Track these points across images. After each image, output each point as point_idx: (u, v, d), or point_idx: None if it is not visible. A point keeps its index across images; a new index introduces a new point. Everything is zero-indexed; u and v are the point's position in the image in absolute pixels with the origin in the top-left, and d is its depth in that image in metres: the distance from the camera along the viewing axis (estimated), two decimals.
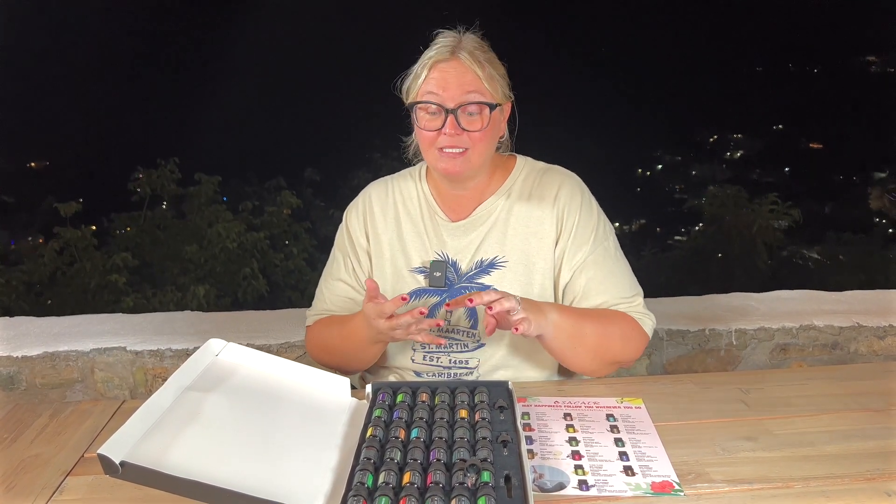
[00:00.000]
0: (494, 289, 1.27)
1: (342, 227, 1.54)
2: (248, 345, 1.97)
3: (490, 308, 1.20)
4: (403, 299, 1.23)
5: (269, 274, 8.81)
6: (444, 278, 1.41)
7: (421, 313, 1.21)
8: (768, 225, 10.77)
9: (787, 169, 37.45)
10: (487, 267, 1.42)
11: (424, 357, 1.43)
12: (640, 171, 38.72)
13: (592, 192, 1.48)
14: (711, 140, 40.66)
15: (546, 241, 1.41)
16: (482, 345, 1.41)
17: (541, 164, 1.50)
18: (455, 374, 1.43)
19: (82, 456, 1.16)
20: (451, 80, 1.32)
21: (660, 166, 38.73)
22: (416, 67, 1.36)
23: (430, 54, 1.35)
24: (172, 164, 9.32)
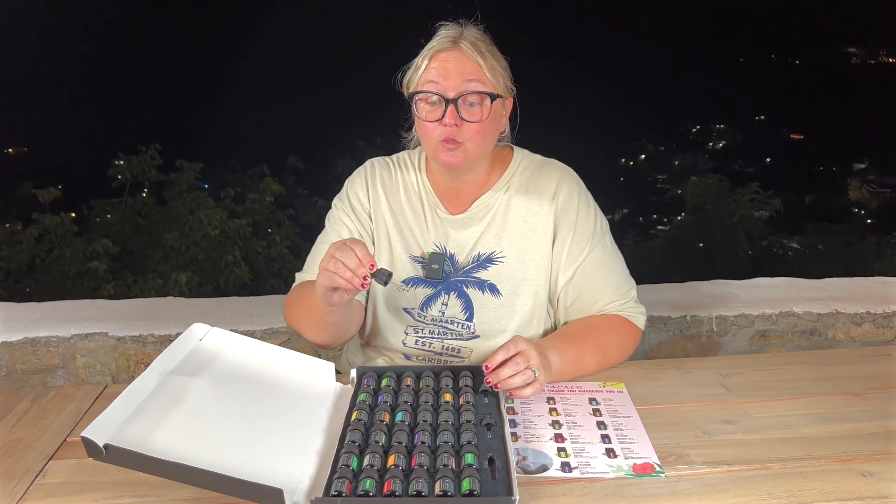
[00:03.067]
0: (515, 341, 1.21)
1: (342, 195, 1.51)
2: (231, 331, 1.96)
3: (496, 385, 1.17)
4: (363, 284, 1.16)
5: (251, 262, 8.78)
6: (441, 270, 1.42)
7: (372, 266, 1.16)
8: (749, 215, 10.90)
9: (768, 159, 37.79)
10: (485, 261, 1.42)
11: (416, 341, 1.43)
12: (623, 160, 38.86)
13: None
14: (694, 130, 40.91)
15: (544, 237, 1.41)
16: (476, 336, 1.42)
17: (538, 157, 1.50)
18: (445, 362, 1.43)
19: (65, 440, 1.16)
20: (452, 69, 1.30)
21: (643, 156, 38.91)
22: (417, 59, 1.35)
23: (431, 45, 1.34)
24: (153, 151, 9.25)
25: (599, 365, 1.37)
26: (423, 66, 1.33)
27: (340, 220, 1.48)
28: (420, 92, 1.33)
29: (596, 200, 1.48)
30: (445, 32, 1.34)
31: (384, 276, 1.18)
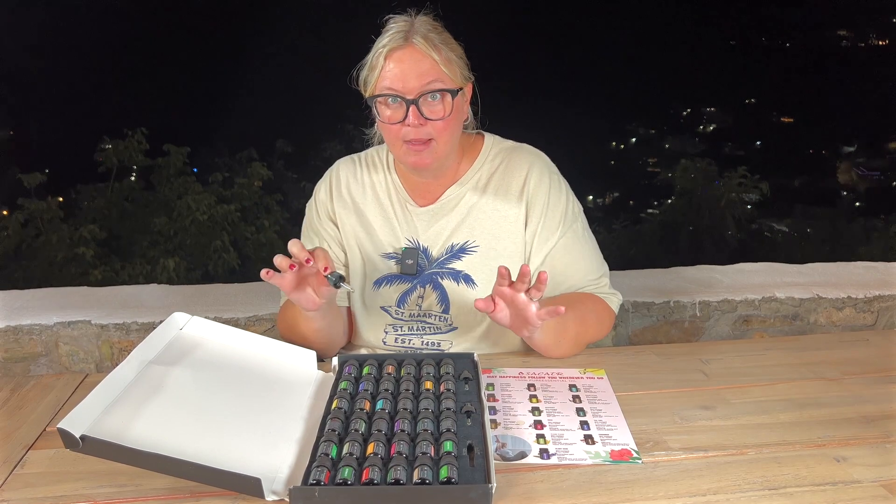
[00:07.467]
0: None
1: (311, 204, 1.51)
2: (215, 318, 1.95)
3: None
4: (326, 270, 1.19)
5: (240, 247, 8.76)
6: (415, 265, 1.41)
7: (307, 261, 1.17)
8: (738, 198, 10.95)
9: (758, 143, 37.87)
10: (458, 252, 1.41)
11: (396, 339, 1.43)
12: (614, 144, 38.82)
13: (567, 166, 1.47)
14: (685, 113, 40.94)
15: (516, 224, 1.41)
16: (454, 328, 1.42)
17: (508, 142, 1.47)
18: None
19: (44, 430, 1.15)
20: (409, 69, 1.27)
21: (634, 139, 38.88)
22: (371, 58, 1.31)
23: (382, 42, 1.29)
24: (140, 135, 9.17)
25: (578, 333, 1.37)
26: (379, 67, 1.29)
27: (312, 228, 1.49)
28: (379, 96, 1.30)
29: (587, 183, 1.51)
30: (396, 27, 1.30)
31: (335, 278, 1.20)
